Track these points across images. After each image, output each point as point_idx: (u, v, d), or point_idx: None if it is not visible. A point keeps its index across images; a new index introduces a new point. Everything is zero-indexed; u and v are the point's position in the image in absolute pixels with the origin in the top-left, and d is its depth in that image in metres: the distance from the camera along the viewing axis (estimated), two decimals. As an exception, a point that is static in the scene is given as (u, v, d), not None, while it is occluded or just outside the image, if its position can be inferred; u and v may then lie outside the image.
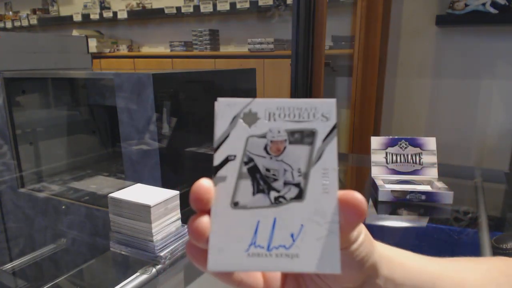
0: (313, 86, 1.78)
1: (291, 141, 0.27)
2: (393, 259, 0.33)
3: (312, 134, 0.27)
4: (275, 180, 0.26)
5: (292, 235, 0.25)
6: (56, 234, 1.47)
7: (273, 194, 0.26)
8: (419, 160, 1.16)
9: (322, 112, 0.27)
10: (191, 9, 3.16)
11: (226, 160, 0.26)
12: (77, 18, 3.82)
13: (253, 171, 0.27)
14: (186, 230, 0.95)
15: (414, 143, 1.17)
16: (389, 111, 2.35)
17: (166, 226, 0.91)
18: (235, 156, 0.26)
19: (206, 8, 3.06)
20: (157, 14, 3.43)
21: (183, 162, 1.31)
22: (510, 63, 2.03)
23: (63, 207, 1.42)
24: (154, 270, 0.86)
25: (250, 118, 0.27)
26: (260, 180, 0.26)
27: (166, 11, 3.29)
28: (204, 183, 0.25)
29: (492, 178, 1.38)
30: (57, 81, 1.67)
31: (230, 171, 0.26)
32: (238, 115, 0.27)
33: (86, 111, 1.78)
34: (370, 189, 1.17)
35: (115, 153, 1.82)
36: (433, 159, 1.15)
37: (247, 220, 0.26)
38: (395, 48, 2.26)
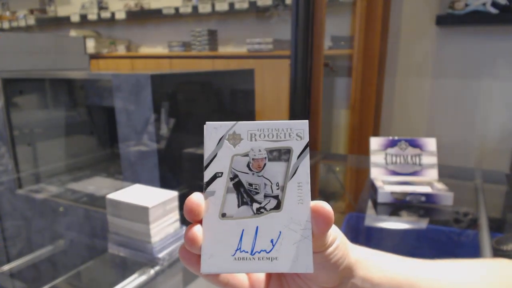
0: (312, 87, 1.78)
1: (270, 159, 0.31)
2: (371, 261, 0.37)
3: (288, 152, 0.31)
4: (257, 193, 0.30)
5: (272, 241, 0.29)
6: (54, 236, 1.47)
7: (255, 205, 0.30)
8: (419, 161, 1.15)
9: (296, 132, 0.31)
10: (190, 9, 3.15)
11: (214, 177, 0.30)
12: (75, 18, 3.81)
13: (238, 186, 0.31)
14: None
15: (414, 144, 1.16)
16: (389, 111, 2.34)
17: (164, 228, 0.90)
18: (222, 173, 0.31)
19: (205, 8, 3.05)
20: (155, 15, 3.42)
21: (182, 163, 1.31)
22: (511, 63, 2.03)
23: (61, 208, 1.41)
24: (152, 271, 0.85)
25: (234, 139, 0.31)
26: (244, 194, 0.30)
27: (164, 11, 3.28)
28: (195, 197, 0.30)
29: (492, 179, 1.38)
30: (54, 82, 1.66)
31: (218, 186, 0.30)
32: (224, 136, 0.31)
33: (84, 112, 1.77)
34: (369, 190, 1.17)
35: (113, 154, 1.81)
36: (433, 160, 1.15)
37: (234, 229, 0.30)
38: (395, 48, 2.26)
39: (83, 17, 3.76)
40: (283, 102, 2.44)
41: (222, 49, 3.24)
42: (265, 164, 0.30)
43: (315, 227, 0.29)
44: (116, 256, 0.93)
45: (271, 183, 0.30)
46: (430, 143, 1.16)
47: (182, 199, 0.94)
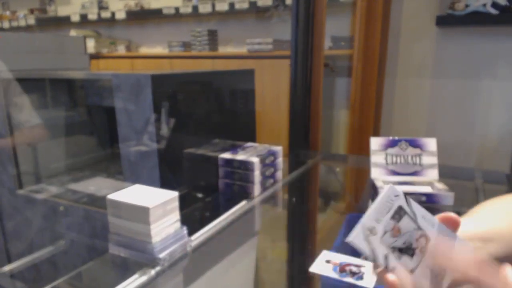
0: (312, 87, 1.78)
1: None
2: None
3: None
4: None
5: None
6: (55, 236, 1.46)
7: None
8: (419, 161, 1.15)
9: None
10: (190, 9, 3.15)
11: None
12: (75, 18, 3.81)
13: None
14: (185, 231, 0.95)
15: (414, 144, 1.16)
16: (389, 111, 2.34)
17: (165, 228, 0.90)
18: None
19: (205, 8, 3.06)
20: (156, 15, 3.43)
21: (182, 163, 1.30)
22: (511, 64, 2.03)
23: (62, 208, 1.41)
24: (153, 272, 0.85)
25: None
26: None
27: (165, 11, 3.28)
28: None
29: (493, 180, 1.38)
30: (54, 81, 1.66)
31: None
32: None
33: (84, 112, 1.77)
34: (370, 190, 1.17)
35: (114, 154, 1.81)
36: (434, 160, 1.15)
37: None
38: (395, 48, 2.26)
39: (83, 17, 3.76)
40: (283, 102, 2.44)
41: (222, 49, 3.24)
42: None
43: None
44: (117, 257, 0.92)
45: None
46: (430, 143, 1.16)
47: (182, 199, 0.94)
